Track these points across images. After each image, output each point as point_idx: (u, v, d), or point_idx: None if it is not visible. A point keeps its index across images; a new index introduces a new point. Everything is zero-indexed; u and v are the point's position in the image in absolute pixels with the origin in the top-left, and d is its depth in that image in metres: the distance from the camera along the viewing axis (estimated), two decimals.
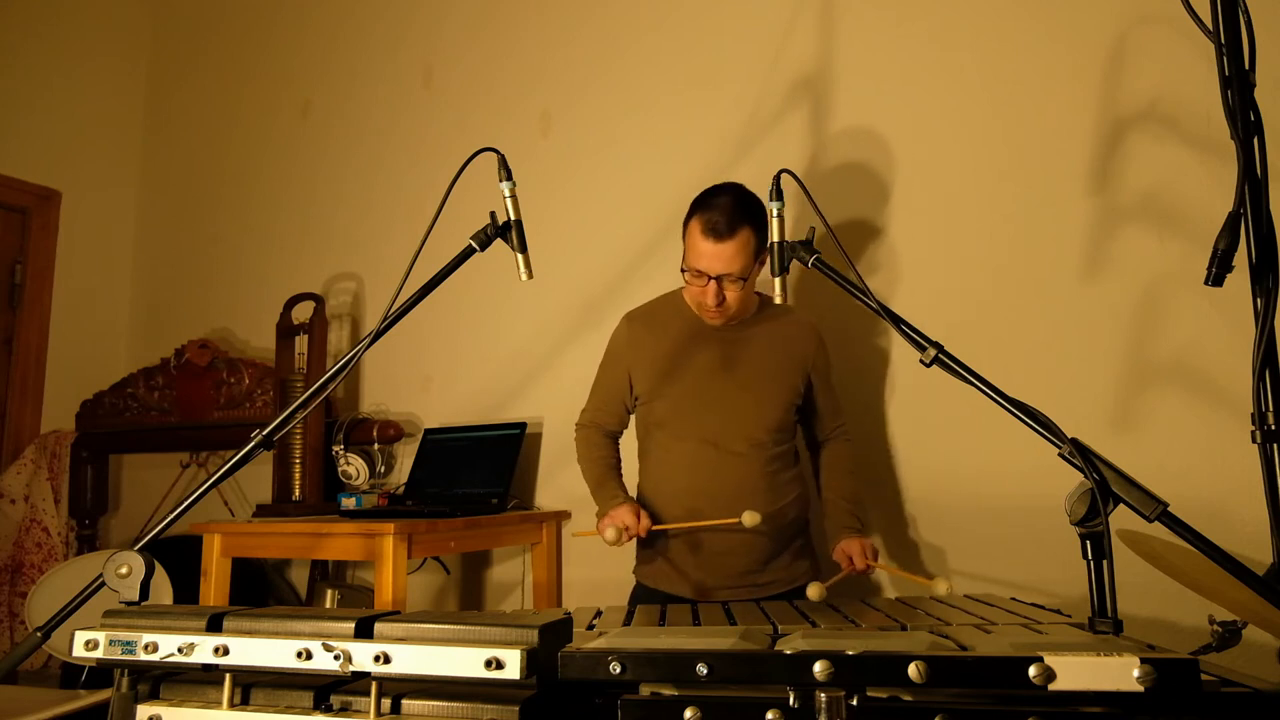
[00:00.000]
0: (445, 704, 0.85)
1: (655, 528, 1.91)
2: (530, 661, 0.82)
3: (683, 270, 1.88)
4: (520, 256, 1.41)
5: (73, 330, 3.62)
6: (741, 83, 2.58)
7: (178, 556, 2.46)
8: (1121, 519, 1.05)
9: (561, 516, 2.73)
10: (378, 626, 0.89)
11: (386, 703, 0.87)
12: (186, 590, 2.51)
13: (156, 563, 1.14)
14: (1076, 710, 0.78)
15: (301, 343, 3.12)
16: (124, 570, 1.11)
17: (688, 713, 0.81)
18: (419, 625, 0.88)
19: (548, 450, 2.79)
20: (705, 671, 0.80)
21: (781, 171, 1.37)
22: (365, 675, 0.87)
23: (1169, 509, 0.96)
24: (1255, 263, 1.16)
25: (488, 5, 3.13)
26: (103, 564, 1.12)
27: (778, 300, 1.38)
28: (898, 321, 1.21)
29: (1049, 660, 0.75)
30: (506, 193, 1.42)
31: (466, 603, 2.90)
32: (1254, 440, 1.12)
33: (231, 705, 0.91)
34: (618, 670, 0.82)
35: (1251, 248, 1.16)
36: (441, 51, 3.21)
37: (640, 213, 2.68)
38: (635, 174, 2.74)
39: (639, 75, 2.78)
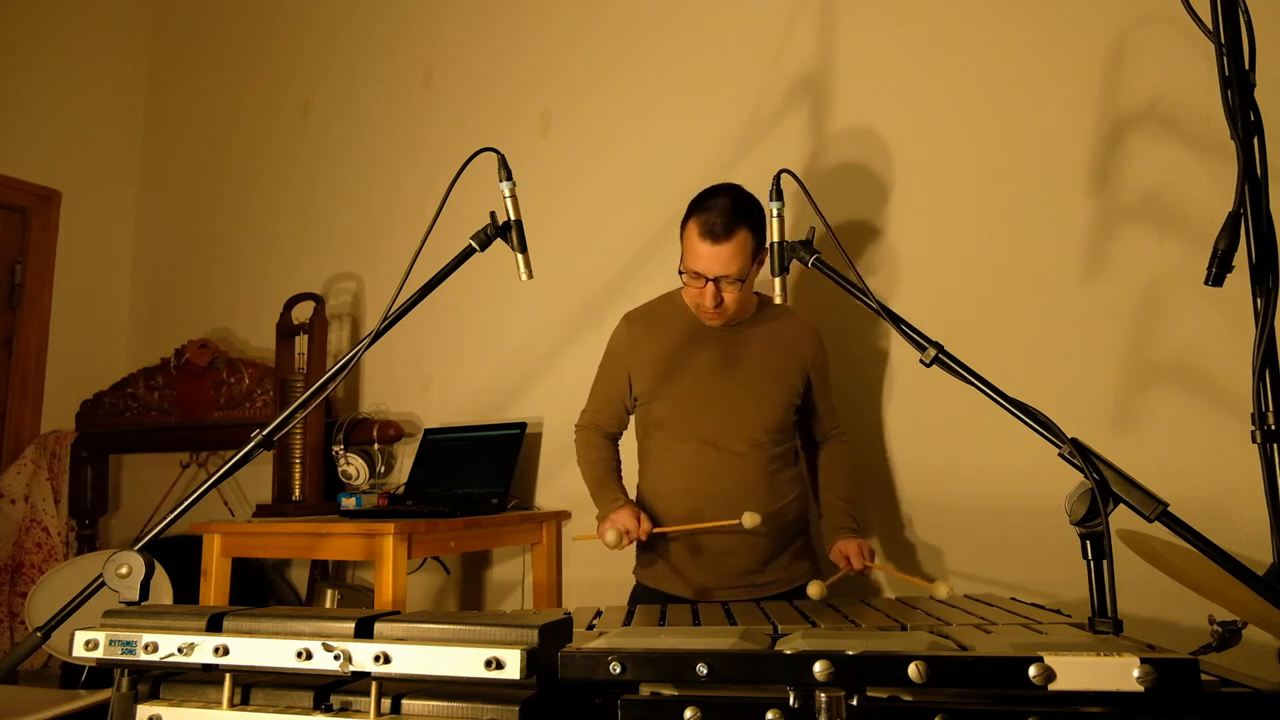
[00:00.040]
0: (445, 704, 0.85)
1: (656, 530, 1.91)
2: (530, 661, 0.82)
3: (680, 272, 1.88)
4: (520, 256, 1.41)
5: (73, 330, 3.62)
6: (741, 83, 2.58)
7: (178, 556, 2.46)
8: (1121, 519, 1.05)
9: (561, 516, 2.73)
10: (378, 626, 0.89)
11: (386, 703, 0.87)
12: (186, 590, 2.51)
13: (156, 563, 1.14)
14: (1076, 710, 0.78)
15: (301, 343, 3.12)
16: (124, 570, 1.11)
17: (688, 713, 0.81)
18: (419, 625, 0.88)
19: (548, 450, 2.79)
20: (705, 671, 0.80)
21: (781, 171, 1.37)
22: (365, 675, 0.87)
23: (1169, 509, 0.96)
24: (1255, 263, 1.16)
25: (488, 5, 3.13)
26: (103, 564, 1.12)
27: (778, 300, 1.38)
28: (898, 321, 1.21)
29: (1049, 660, 0.75)
30: (506, 193, 1.42)
31: (466, 603, 2.90)
32: (1254, 440, 1.12)
33: (231, 705, 0.91)
34: (618, 670, 0.82)
35: (1251, 248, 1.16)
36: (441, 51, 3.21)
37: (640, 213, 2.68)
38: (635, 174, 2.74)
39: (639, 75, 2.78)
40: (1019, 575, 2.04)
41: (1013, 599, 1.50)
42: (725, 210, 1.79)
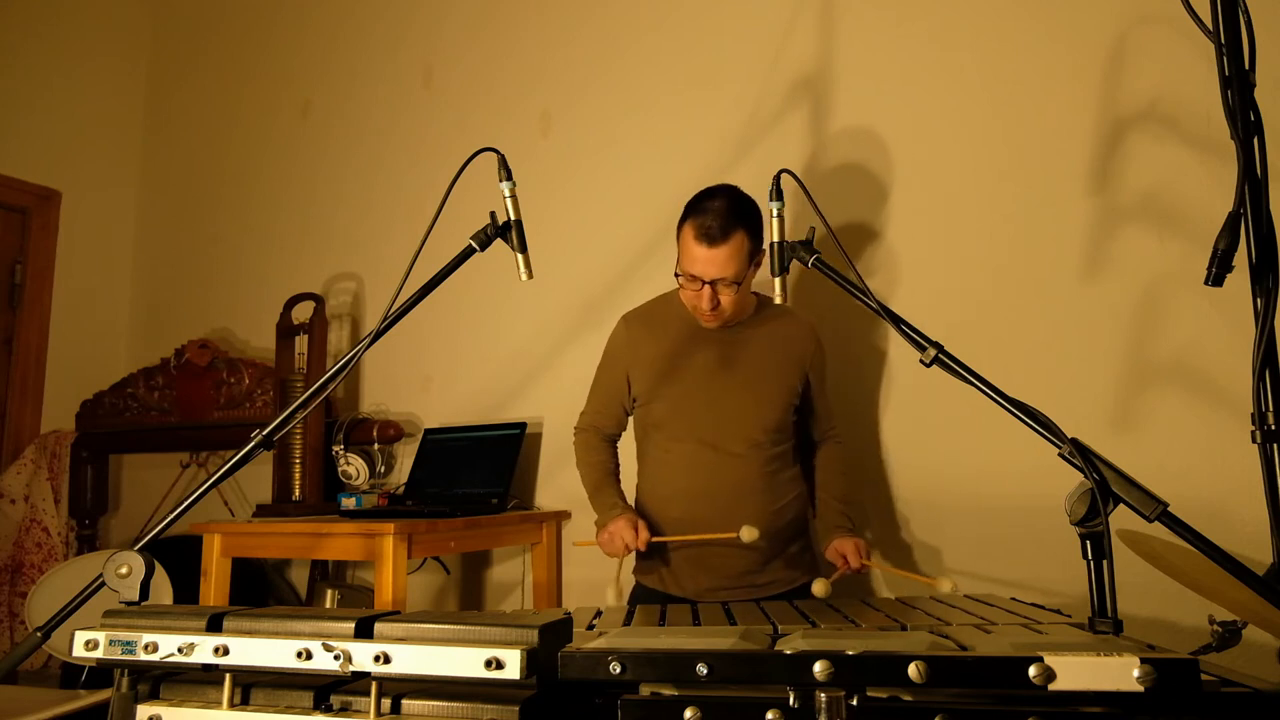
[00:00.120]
0: (445, 704, 0.85)
1: (654, 540, 1.90)
2: (530, 661, 0.82)
3: (676, 275, 1.87)
4: (520, 256, 1.41)
5: (73, 330, 3.62)
6: (741, 83, 2.58)
7: (178, 556, 2.46)
8: (1121, 519, 1.05)
9: (561, 516, 2.73)
10: (378, 626, 0.89)
11: (386, 703, 0.87)
12: (186, 590, 2.51)
13: (156, 563, 1.14)
14: (1076, 710, 0.78)
15: (301, 343, 3.12)
16: (124, 570, 1.11)
17: (688, 713, 0.81)
18: (419, 625, 0.88)
19: (548, 450, 2.79)
20: (705, 671, 0.80)
21: (781, 171, 1.37)
22: (365, 675, 0.87)
23: (1169, 509, 0.96)
24: (1255, 263, 1.16)
25: (488, 5, 3.13)
26: (103, 564, 1.12)
27: (777, 300, 1.38)
28: (898, 321, 1.21)
29: (1049, 660, 0.75)
30: (506, 193, 1.42)
31: (466, 603, 2.90)
32: (1254, 440, 1.12)
33: (231, 705, 0.91)
34: (618, 670, 0.82)
35: (1251, 248, 1.16)
36: (441, 51, 3.21)
37: (640, 213, 2.68)
38: (635, 174, 2.74)
39: (639, 75, 2.78)
40: (1019, 575, 2.04)
41: (1013, 599, 1.50)
42: (721, 213, 1.78)
